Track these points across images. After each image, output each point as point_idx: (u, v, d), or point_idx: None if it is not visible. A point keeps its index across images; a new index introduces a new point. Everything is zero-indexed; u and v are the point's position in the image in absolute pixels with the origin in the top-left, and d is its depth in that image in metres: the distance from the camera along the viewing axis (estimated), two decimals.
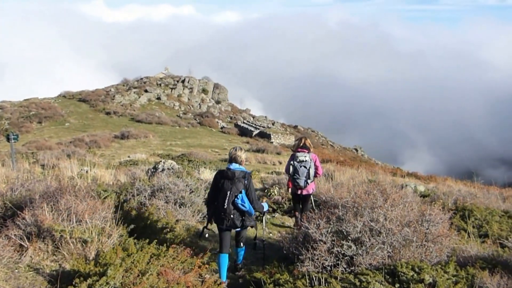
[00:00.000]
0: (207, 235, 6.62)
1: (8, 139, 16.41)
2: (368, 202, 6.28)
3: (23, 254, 5.62)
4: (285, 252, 6.63)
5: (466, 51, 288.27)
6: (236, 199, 6.10)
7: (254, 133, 52.45)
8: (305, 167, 8.90)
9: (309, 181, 8.92)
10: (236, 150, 6.43)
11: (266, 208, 6.89)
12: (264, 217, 7.59)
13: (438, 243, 6.05)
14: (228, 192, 6.11)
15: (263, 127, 57.15)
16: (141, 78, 76.77)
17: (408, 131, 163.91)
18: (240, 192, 6.11)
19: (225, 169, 6.32)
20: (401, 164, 66.18)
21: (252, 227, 6.59)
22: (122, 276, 5.07)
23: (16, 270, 5.40)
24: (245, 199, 6.13)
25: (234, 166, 6.28)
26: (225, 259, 6.28)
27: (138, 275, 5.21)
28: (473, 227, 9.26)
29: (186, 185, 9.07)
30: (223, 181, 6.21)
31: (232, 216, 6.13)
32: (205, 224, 6.66)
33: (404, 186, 13.62)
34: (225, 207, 6.10)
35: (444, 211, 6.61)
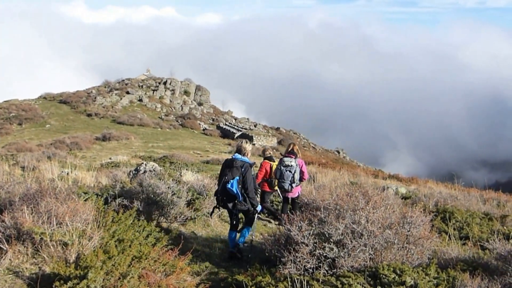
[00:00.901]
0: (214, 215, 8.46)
1: None
2: (350, 204, 6.32)
3: (2, 257, 5.52)
4: (267, 254, 6.64)
5: (446, 53, 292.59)
6: (227, 183, 6.94)
7: (236, 135, 52.42)
8: (290, 171, 9.44)
9: (293, 184, 9.42)
10: (242, 142, 7.33)
11: (259, 208, 7.46)
12: (255, 216, 7.75)
13: (420, 245, 6.12)
14: (225, 177, 7.01)
15: (245, 129, 57.17)
16: (123, 80, 76.17)
17: (389, 133, 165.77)
18: (233, 178, 6.92)
19: (229, 158, 7.27)
20: (383, 166, 66.83)
21: (252, 213, 7.34)
22: (103, 279, 5.02)
23: None
24: (235, 184, 6.92)
25: (237, 156, 7.15)
26: (232, 234, 7.37)
27: (119, 278, 5.16)
28: (454, 229, 9.40)
29: (168, 187, 9.02)
30: (225, 168, 7.14)
31: (224, 198, 7.08)
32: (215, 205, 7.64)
33: (385, 188, 13.76)
34: (219, 189, 7.14)
35: (425, 213, 6.68)
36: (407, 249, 6.06)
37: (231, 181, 6.92)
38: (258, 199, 7.82)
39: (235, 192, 6.94)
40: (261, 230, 9.82)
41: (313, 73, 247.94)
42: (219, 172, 7.54)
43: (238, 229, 7.53)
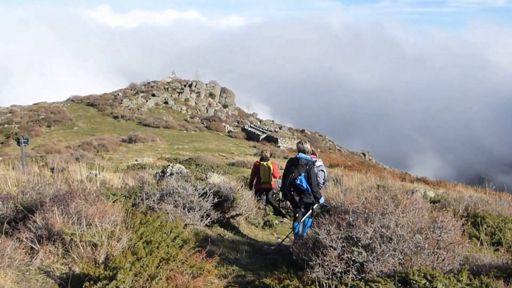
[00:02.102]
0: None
1: (18, 143, 16.52)
2: (379, 208, 6.22)
3: (33, 257, 5.62)
4: (294, 257, 6.59)
5: (471, 53, 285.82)
6: (296, 180, 7.74)
7: (261, 137, 52.40)
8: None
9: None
10: (302, 143, 8.20)
11: (322, 200, 8.20)
12: (315, 206, 8.19)
13: (451, 250, 5.97)
14: (292, 174, 7.82)
15: (270, 131, 57.10)
16: (148, 82, 77.03)
17: (415, 135, 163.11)
18: (300, 175, 7.73)
19: (294, 157, 8.08)
20: (409, 169, 65.88)
21: (313, 204, 7.98)
22: (132, 280, 5.06)
23: (27, 273, 5.41)
24: (303, 180, 7.72)
25: (300, 155, 7.98)
26: (296, 225, 8.02)
27: (147, 279, 5.20)
28: (486, 234, 9.15)
29: (195, 190, 9.05)
30: (290, 166, 7.96)
31: (292, 193, 7.85)
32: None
33: (413, 191, 13.52)
34: (286, 185, 7.89)
35: (455, 218, 6.52)
36: (438, 254, 5.93)
37: (299, 177, 7.73)
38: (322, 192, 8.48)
39: (305, 187, 7.75)
40: (287, 233, 9.78)
41: (336, 75, 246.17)
42: (283, 170, 8.32)
43: (299, 220, 8.10)
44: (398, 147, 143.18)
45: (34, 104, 64.23)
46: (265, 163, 11.51)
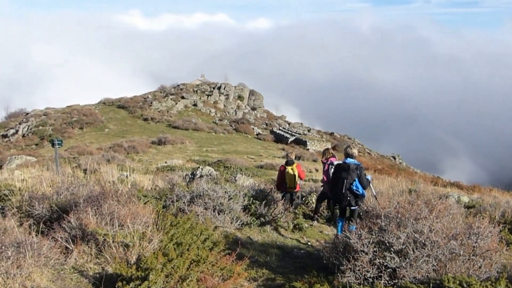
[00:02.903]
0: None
1: (52, 145, 16.89)
2: (412, 213, 6.10)
3: (68, 256, 5.73)
4: (325, 261, 6.52)
5: (506, 54, 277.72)
6: (351, 186, 7.90)
7: (290, 140, 52.24)
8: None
9: None
10: (350, 148, 8.30)
11: (369, 177, 8.74)
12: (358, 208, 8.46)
13: (487, 258, 5.80)
14: (345, 180, 7.93)
15: (299, 134, 56.86)
16: (178, 85, 77.85)
17: (446, 138, 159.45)
18: (354, 180, 7.91)
19: (342, 163, 8.20)
20: (441, 173, 64.36)
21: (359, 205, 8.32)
22: (163, 281, 5.10)
23: (62, 272, 5.51)
24: (359, 185, 7.93)
25: (349, 160, 8.09)
26: (341, 222, 8.34)
27: (178, 281, 5.23)
28: None
29: (225, 192, 9.07)
30: (341, 172, 8.06)
31: (348, 198, 7.98)
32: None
33: (446, 196, 13.22)
34: (343, 191, 7.96)
35: (492, 224, 6.33)
36: (474, 261, 5.77)
37: (354, 183, 7.93)
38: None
39: (361, 191, 8.00)
40: (316, 237, 9.70)
41: (366, 77, 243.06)
42: (332, 176, 8.57)
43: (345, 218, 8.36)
44: (429, 150, 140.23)
45: (67, 106, 65.78)
46: (290, 168, 11.36)
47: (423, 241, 5.76)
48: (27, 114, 63.96)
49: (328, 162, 10.41)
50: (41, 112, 62.18)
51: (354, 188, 7.93)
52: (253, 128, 60.62)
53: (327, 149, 11.50)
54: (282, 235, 9.41)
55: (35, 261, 5.21)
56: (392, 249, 5.79)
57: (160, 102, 67.56)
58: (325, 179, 10.69)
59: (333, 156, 10.85)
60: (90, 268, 5.70)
